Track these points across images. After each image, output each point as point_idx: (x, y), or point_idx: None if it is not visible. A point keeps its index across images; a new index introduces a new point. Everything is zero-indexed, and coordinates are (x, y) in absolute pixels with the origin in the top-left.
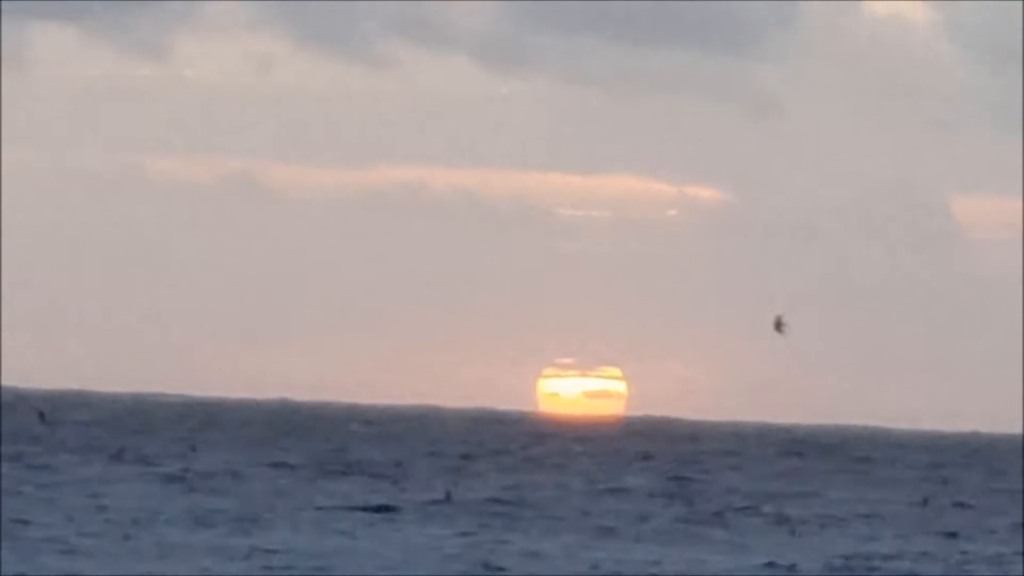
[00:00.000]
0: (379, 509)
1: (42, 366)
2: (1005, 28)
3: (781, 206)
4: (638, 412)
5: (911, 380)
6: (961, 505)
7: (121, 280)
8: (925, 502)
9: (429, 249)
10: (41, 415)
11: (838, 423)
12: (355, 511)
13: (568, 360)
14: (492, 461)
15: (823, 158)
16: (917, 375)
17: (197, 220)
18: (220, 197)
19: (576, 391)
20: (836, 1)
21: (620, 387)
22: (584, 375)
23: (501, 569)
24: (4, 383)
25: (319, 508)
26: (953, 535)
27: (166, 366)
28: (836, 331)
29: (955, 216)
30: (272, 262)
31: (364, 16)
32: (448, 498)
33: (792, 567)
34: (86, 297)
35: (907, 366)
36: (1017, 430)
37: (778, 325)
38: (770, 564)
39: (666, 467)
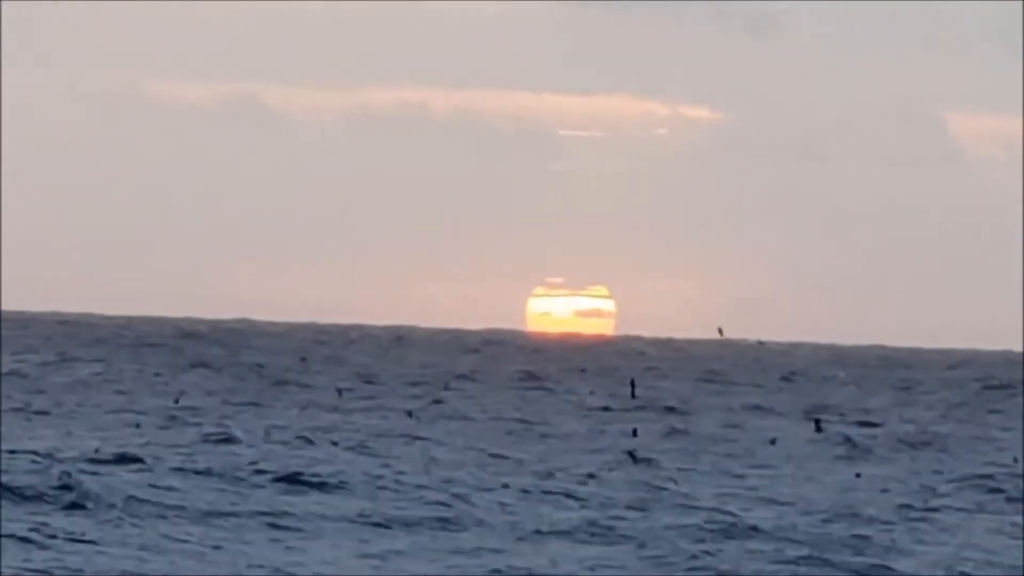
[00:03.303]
0: None
1: (40, 290)
2: None
3: (775, 125)
4: (627, 331)
5: (906, 297)
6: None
7: (123, 202)
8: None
9: (426, 169)
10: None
11: (831, 342)
12: None
13: (558, 279)
14: None
15: (818, 77)
16: (913, 292)
17: (198, 142)
18: (221, 119)
19: (566, 310)
20: None
21: (610, 306)
22: (574, 294)
23: None
24: (8, 307)
25: None
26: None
27: (164, 288)
28: (829, 249)
29: (952, 134)
30: (271, 183)
31: None
32: None
33: None
34: (89, 219)
35: (902, 283)
36: (1017, 347)
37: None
38: None
39: None
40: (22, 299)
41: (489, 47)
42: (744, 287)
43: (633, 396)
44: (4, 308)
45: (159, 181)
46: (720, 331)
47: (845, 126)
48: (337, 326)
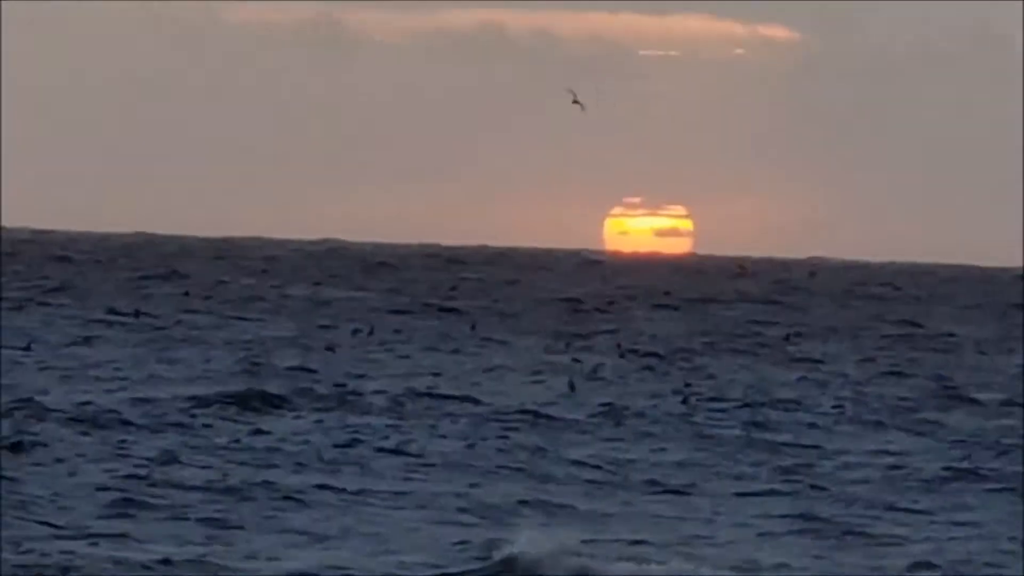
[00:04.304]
0: None
1: (110, 210)
2: None
3: (852, 45)
4: (704, 251)
5: (982, 218)
6: None
7: (199, 124)
8: None
9: (503, 89)
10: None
11: (906, 260)
12: None
13: (636, 199)
14: None
15: None
16: (989, 213)
17: (275, 64)
18: (297, 40)
19: (644, 230)
20: None
21: (687, 226)
22: (652, 214)
23: None
24: (85, 228)
25: None
26: None
27: (244, 210)
28: (907, 170)
29: None
30: (349, 104)
31: None
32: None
33: None
34: (165, 141)
35: (978, 204)
36: None
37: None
38: None
39: None
40: (106, 222)
41: None
42: (819, 207)
43: None
44: (98, 230)
45: (236, 105)
46: (742, 267)
47: (923, 47)
48: (435, 246)
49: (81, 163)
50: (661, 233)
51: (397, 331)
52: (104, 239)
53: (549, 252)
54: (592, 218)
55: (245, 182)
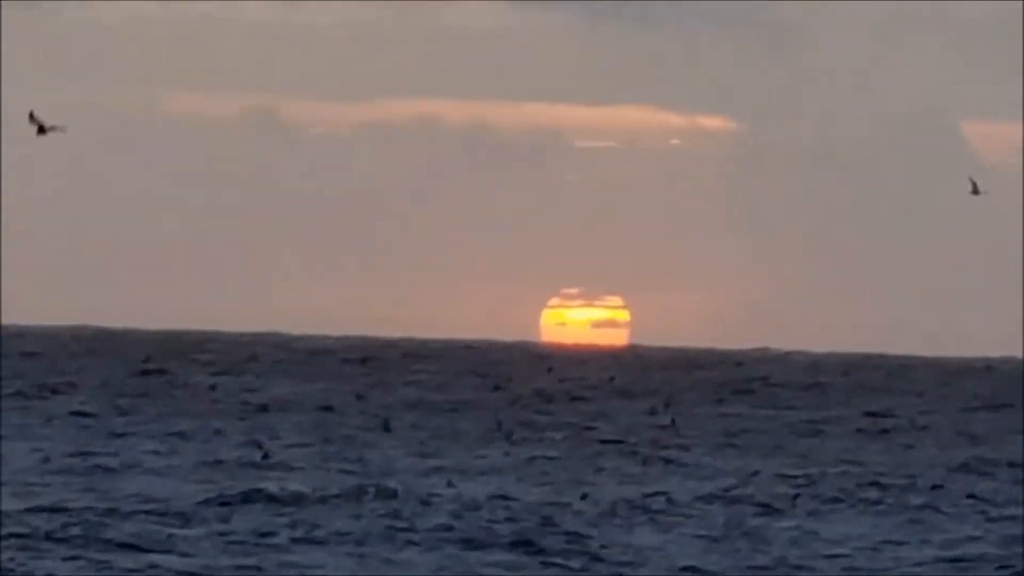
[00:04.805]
0: None
1: (53, 305)
2: None
3: (789, 135)
4: (642, 341)
5: (924, 307)
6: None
7: (139, 216)
8: None
9: (440, 181)
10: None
11: (848, 351)
12: None
13: (573, 290)
14: None
15: (833, 88)
16: (930, 302)
17: (213, 154)
18: (236, 132)
19: (581, 321)
20: None
21: (624, 316)
22: (589, 305)
23: None
24: (27, 321)
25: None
26: None
27: (183, 301)
28: (846, 259)
29: (969, 144)
30: (286, 195)
31: None
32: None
33: None
34: (105, 234)
35: (920, 293)
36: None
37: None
38: None
39: None
40: (44, 314)
41: (502, 59)
42: (759, 297)
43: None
44: (25, 323)
45: (176, 194)
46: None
47: (863, 136)
48: (382, 339)
49: (23, 256)
50: (598, 324)
51: (385, 428)
52: (57, 332)
53: (491, 344)
54: (529, 309)
55: (184, 273)
